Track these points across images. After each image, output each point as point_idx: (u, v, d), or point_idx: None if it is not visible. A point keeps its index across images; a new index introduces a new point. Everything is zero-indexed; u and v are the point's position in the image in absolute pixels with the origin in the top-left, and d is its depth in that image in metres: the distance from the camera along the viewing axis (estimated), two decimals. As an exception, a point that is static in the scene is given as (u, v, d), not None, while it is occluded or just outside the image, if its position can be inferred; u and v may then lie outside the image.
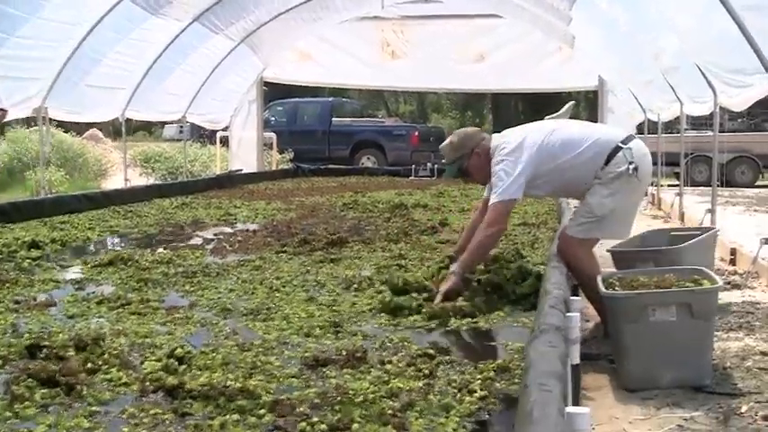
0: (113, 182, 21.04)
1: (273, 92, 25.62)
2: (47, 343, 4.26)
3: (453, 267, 5.63)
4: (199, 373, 3.91)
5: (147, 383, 3.74)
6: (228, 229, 9.67)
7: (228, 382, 3.67)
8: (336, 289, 5.99)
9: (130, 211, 11.41)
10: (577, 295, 5.78)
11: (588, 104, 28.83)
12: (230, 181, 16.69)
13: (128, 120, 16.45)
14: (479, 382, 3.75)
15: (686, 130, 16.10)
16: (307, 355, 4.20)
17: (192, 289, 6.05)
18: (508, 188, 5.53)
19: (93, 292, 5.86)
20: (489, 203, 5.64)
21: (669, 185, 17.74)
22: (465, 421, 3.35)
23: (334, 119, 26.29)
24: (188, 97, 17.53)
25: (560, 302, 4.06)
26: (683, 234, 6.70)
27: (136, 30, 14.31)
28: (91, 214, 10.97)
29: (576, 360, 4.01)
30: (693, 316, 4.68)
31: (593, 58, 16.61)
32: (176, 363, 4.03)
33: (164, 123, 26.90)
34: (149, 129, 43.02)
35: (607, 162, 5.54)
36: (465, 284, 5.56)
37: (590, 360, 5.38)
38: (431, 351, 4.23)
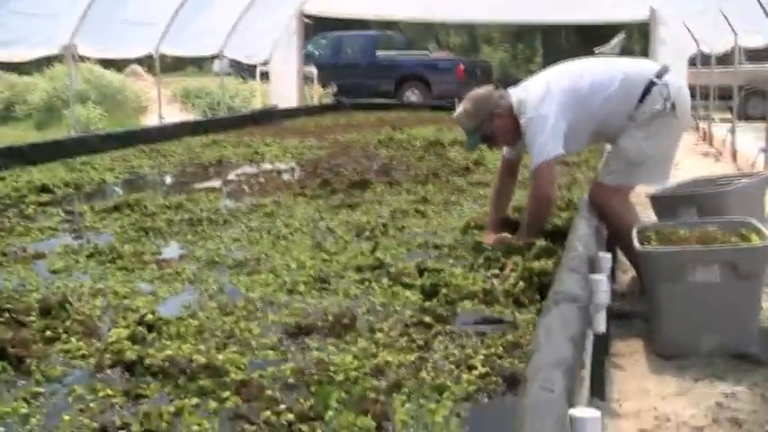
0: (153, 119, 20.66)
1: (320, 26, 25.07)
2: (9, 306, 3.82)
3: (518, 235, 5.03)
4: (168, 343, 3.46)
5: (108, 356, 3.28)
6: (253, 170, 9.18)
7: (195, 356, 3.20)
8: (345, 237, 5.51)
9: (156, 151, 10.90)
10: (611, 250, 5.26)
11: (641, 37, 27.85)
12: (266, 117, 16.14)
13: (174, 56, 15.96)
14: (482, 357, 3.23)
15: (741, 63, 15.28)
16: (289, 320, 3.72)
17: (193, 238, 5.62)
18: (545, 145, 4.89)
19: (87, 243, 5.42)
20: (532, 169, 5.01)
21: (721, 120, 16.90)
22: (459, 407, 2.85)
23: (378, 52, 25.66)
24: (225, 32, 17.00)
25: (584, 263, 3.52)
26: (731, 182, 6.06)
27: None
28: (115, 154, 10.49)
29: (602, 328, 3.50)
30: (739, 276, 4.11)
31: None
32: (145, 331, 3.58)
33: (212, 58, 26.32)
34: (200, 64, 42.70)
35: (641, 100, 4.93)
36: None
37: (624, 319, 4.86)
38: (427, 319, 3.72)
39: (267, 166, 9.53)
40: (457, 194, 7.17)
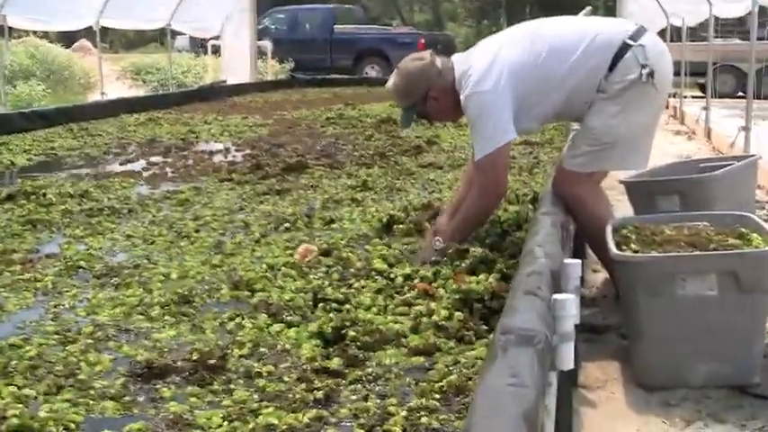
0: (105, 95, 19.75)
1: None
2: None
3: (437, 236, 4.08)
4: (-12, 384, 2.57)
5: None
6: (183, 151, 8.27)
7: (10, 411, 2.31)
8: (257, 233, 4.63)
9: (85, 130, 10.04)
10: (579, 255, 4.41)
11: (607, 11, 27.13)
12: (214, 93, 15.23)
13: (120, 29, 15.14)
14: (404, 415, 2.35)
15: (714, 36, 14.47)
16: (141, 356, 2.79)
17: (82, 233, 4.78)
18: (492, 135, 3.96)
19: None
20: (476, 160, 4.08)
21: (693, 97, 16.07)
22: None
23: (336, 27, 24.77)
24: (173, 4, 16.05)
25: (545, 278, 2.64)
26: (715, 165, 5.18)
27: None
28: (39, 134, 9.62)
29: (569, 365, 2.63)
30: (741, 289, 3.25)
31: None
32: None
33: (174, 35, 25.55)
34: (162, 40, 41.92)
35: (612, 68, 4.02)
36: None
37: (595, 334, 4.01)
38: (332, 365, 2.72)
39: (200, 146, 8.62)
40: (404, 179, 6.32)
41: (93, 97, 19.70)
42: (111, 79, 23.65)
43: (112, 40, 38.98)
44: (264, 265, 3.88)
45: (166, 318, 3.28)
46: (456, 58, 4.27)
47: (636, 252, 3.45)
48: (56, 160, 7.92)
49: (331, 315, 3.16)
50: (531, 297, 2.40)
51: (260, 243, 4.40)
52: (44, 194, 5.76)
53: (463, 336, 3.00)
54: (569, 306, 2.56)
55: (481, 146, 3.98)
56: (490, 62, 4.03)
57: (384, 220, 4.66)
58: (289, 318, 3.20)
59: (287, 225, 4.73)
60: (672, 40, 15.46)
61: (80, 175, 6.82)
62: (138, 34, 32.34)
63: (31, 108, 12.72)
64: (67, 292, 3.65)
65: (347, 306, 3.29)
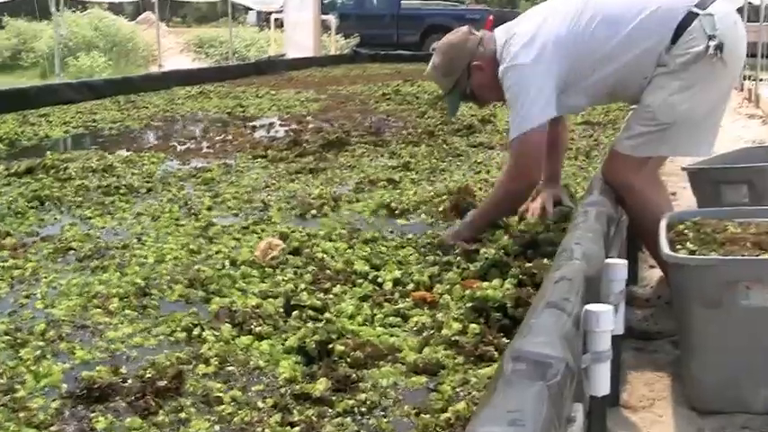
0: (164, 68, 19.59)
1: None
2: None
3: (467, 216, 3.84)
4: None
5: None
6: (225, 125, 7.96)
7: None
8: (276, 216, 4.22)
9: (131, 102, 9.86)
10: (634, 249, 3.95)
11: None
12: (272, 67, 14.94)
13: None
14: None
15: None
16: (85, 374, 2.32)
17: (92, 213, 4.43)
18: (525, 114, 3.54)
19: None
20: (509, 141, 3.69)
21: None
22: None
23: (403, 2, 24.34)
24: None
25: (576, 286, 2.17)
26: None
27: None
28: (85, 105, 9.45)
29: (603, 390, 2.19)
30: (816, 301, 2.76)
31: None
32: None
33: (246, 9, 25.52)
34: (234, 15, 41.72)
35: (675, 39, 3.52)
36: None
37: (646, 342, 3.54)
38: (315, 390, 2.23)
39: (244, 121, 8.30)
40: (450, 159, 5.87)
41: (155, 69, 19.67)
42: (176, 52, 23.57)
43: (186, 13, 38.96)
44: (227, 262, 3.42)
45: (126, 311, 2.86)
46: (499, 29, 3.83)
47: (692, 253, 2.95)
48: (93, 133, 7.70)
49: (309, 324, 2.68)
50: (553, 311, 1.93)
51: (248, 229, 3.98)
52: (65, 169, 5.49)
53: (483, 353, 2.50)
54: (604, 319, 2.11)
55: (517, 125, 3.55)
56: (533, 33, 3.57)
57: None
58: (258, 328, 2.68)
59: (313, 211, 4.32)
60: (749, 20, 14.81)
61: (111, 148, 6.53)
62: (210, 8, 32.23)
63: (78, 79, 12.52)
64: (45, 278, 3.29)
65: (326, 315, 2.79)
